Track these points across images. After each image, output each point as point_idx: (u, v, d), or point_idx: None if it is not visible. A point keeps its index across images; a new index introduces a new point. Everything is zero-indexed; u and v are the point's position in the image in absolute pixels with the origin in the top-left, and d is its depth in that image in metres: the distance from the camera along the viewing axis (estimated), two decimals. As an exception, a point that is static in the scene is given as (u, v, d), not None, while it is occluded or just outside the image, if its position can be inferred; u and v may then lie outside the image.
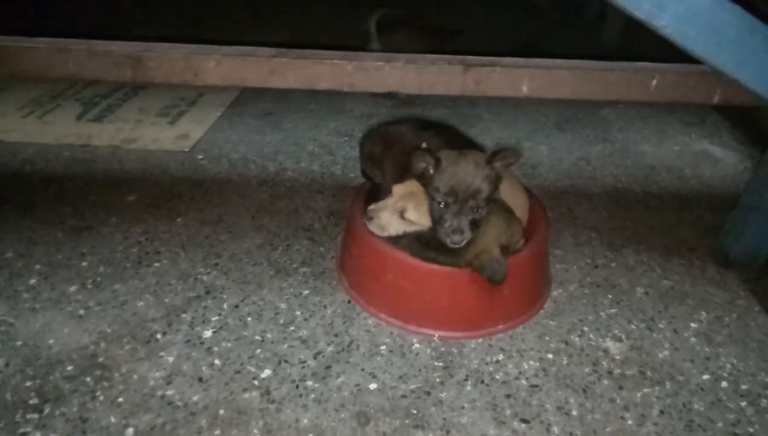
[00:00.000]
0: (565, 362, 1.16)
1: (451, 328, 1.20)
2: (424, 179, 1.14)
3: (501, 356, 1.17)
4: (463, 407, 1.06)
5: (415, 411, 1.04)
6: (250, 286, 1.32)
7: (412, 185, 1.18)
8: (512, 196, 1.30)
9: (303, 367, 1.12)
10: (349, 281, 1.32)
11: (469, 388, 1.10)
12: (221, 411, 1.02)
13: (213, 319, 1.23)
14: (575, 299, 1.33)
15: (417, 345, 1.19)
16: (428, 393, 1.08)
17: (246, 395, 1.06)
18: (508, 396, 1.08)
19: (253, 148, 1.94)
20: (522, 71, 1.31)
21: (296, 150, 1.94)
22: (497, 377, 1.12)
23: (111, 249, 1.42)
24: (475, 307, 1.19)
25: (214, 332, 1.19)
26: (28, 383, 1.05)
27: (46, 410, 1.01)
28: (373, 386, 1.09)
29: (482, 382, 1.11)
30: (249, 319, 1.23)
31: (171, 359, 1.12)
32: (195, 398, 1.05)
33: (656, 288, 1.38)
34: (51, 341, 1.15)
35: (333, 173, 1.81)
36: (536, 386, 1.11)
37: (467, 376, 1.12)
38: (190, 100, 2.28)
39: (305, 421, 1.01)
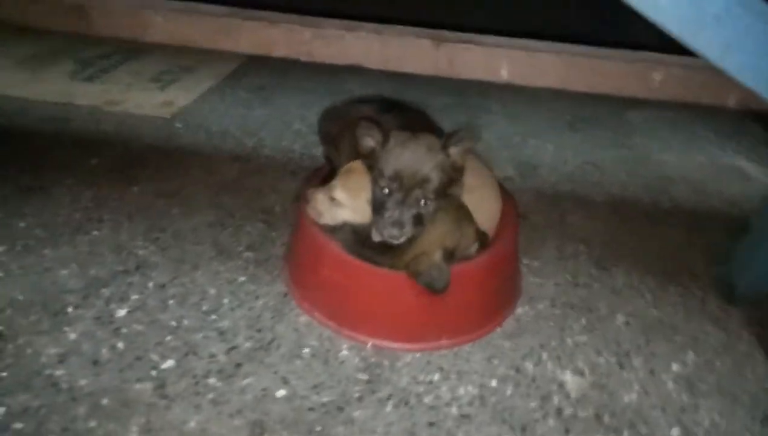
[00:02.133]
0: (509, 392, 1.00)
1: (386, 336, 1.06)
2: (370, 160, 0.99)
3: (436, 376, 1.02)
4: (375, 431, 0.92)
5: (319, 428, 0.91)
6: (184, 266, 1.22)
7: (356, 165, 1.04)
8: (479, 196, 1.14)
9: (210, 362, 1.01)
10: (289, 271, 1.19)
11: (388, 409, 0.96)
12: (105, 400, 0.92)
13: (133, 297, 1.13)
14: (542, 320, 1.16)
15: (345, 352, 1.06)
16: (341, 409, 0.95)
17: (138, 386, 0.95)
18: (431, 424, 0.94)
19: (236, 121, 1.84)
20: (501, 52, 1.15)
21: (281, 127, 1.82)
22: (425, 400, 0.98)
23: (54, 212, 1.34)
24: (413, 316, 1.04)
25: (128, 312, 1.09)
26: None
27: None
28: (281, 393, 0.97)
29: (406, 404, 0.97)
30: (171, 302, 1.13)
31: (73, 336, 1.03)
32: (82, 383, 0.95)
33: (641, 318, 1.19)
34: (-43, 303, 1.08)
35: (313, 155, 1.68)
36: (467, 416, 0.96)
37: (391, 395, 0.98)
38: (186, 67, 2.19)
39: (192, 424, 0.90)
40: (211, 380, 0.97)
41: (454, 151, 0.98)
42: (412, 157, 0.95)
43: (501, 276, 1.11)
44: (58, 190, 1.42)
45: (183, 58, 2.24)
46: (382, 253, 0.99)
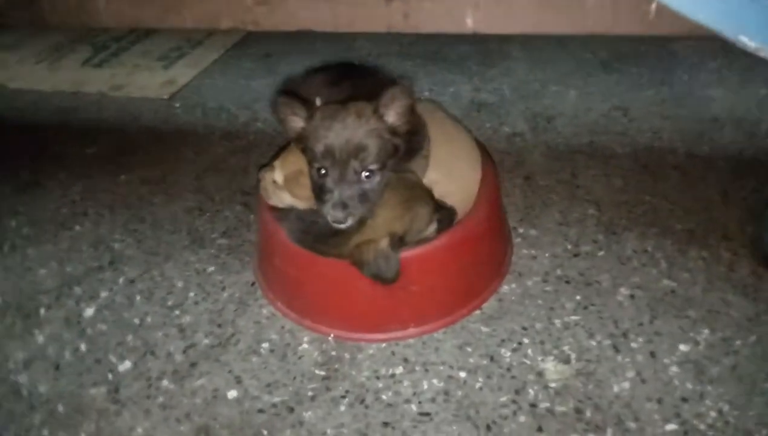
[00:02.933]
0: (478, 384, 0.90)
1: (347, 327, 0.99)
2: (301, 141, 0.89)
3: (399, 369, 0.94)
4: (324, 433, 0.86)
5: (265, 432, 0.86)
6: (157, 258, 1.20)
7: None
8: (447, 166, 1.01)
9: (167, 362, 0.98)
10: (256, 259, 1.13)
11: (342, 408, 0.89)
12: (60, 407, 0.92)
13: (102, 295, 1.12)
14: (528, 299, 1.04)
15: (306, 346, 0.99)
16: (291, 410, 0.89)
17: (93, 391, 0.94)
18: (385, 425, 0.86)
19: (233, 95, 1.78)
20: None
21: (277, 97, 1.74)
22: (383, 397, 0.90)
23: (44, 208, 1.36)
24: (372, 304, 0.96)
25: (96, 311, 1.09)
26: None
27: None
28: (232, 393, 0.92)
29: (362, 402, 0.89)
30: (138, 297, 1.11)
31: (41, 339, 1.04)
32: (42, 389, 0.95)
33: (649, 291, 1.03)
34: (-58, 309, 1.11)
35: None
36: (427, 414, 0.87)
37: (347, 392, 0.91)
38: (195, 41, 2.14)
39: (139, 430, 0.88)
40: (164, 382, 0.95)
41: (389, 113, 0.86)
42: (341, 127, 0.84)
43: (472, 255, 0.99)
44: (51, 184, 1.44)
45: (191, 33, 2.19)
46: (326, 241, 0.90)
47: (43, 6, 1.14)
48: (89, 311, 1.09)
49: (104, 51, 2.18)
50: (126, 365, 0.98)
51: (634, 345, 0.94)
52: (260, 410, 0.90)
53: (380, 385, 0.92)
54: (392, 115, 0.87)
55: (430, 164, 1.01)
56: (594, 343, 0.95)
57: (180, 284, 1.13)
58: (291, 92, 0.90)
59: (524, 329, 0.99)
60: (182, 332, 1.03)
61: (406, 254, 0.90)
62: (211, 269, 1.16)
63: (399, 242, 0.88)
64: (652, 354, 0.92)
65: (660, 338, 0.95)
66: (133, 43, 2.21)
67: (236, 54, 2.04)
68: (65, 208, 1.35)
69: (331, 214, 0.84)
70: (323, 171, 0.85)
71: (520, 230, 1.18)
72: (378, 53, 1.93)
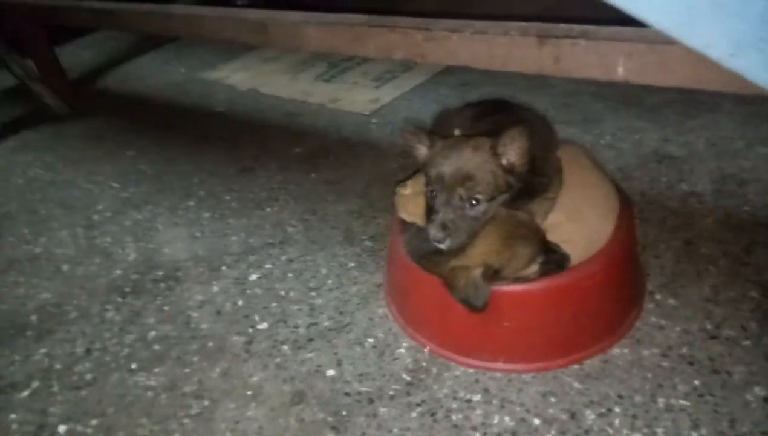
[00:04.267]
0: (550, 435, 0.89)
1: (442, 344, 1.05)
2: (423, 167, 0.99)
3: (477, 397, 0.97)
4: (390, 431, 0.94)
5: (344, 413, 0.98)
6: (314, 246, 1.40)
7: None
8: (578, 209, 1.00)
9: (292, 331, 1.17)
10: (386, 265, 1.26)
11: (413, 415, 0.96)
12: (210, 343, 1.17)
13: (266, 266, 1.36)
14: (638, 368, 0.97)
15: (402, 350, 1.08)
16: (371, 401, 1.00)
17: (235, 338, 1.17)
18: (445, 442, 0.91)
19: (423, 117, 1.94)
20: (616, 47, 0.95)
21: (460, 124, 1.85)
22: (453, 417, 0.94)
23: (250, 190, 1.69)
24: (464, 329, 1.00)
25: (258, 277, 1.33)
26: (135, 275, 1.40)
27: (129, 297, 1.33)
28: (330, 372, 1.06)
29: (432, 415, 0.95)
30: (290, 274, 1.32)
31: (216, 289, 1.32)
32: (204, 326, 1.22)
33: (791, 399, 0.88)
34: (166, 250, 1.48)
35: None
36: (487, 446, 0.89)
37: (423, 402, 0.98)
38: (407, 67, 2.38)
39: (255, 378, 1.07)
40: (285, 347, 1.13)
41: (506, 151, 0.90)
42: (456, 157, 0.91)
43: (574, 307, 0.96)
44: (261, 172, 1.77)
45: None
46: (430, 258, 0.98)
47: (271, 32, 1.43)
48: (253, 276, 1.34)
49: (335, 69, 2.55)
50: (264, 325, 1.19)
51: (744, 452, 0.82)
52: (347, 393, 1.02)
53: (454, 406, 0.96)
54: (510, 154, 0.91)
55: (556, 208, 1.01)
56: (695, 435, 0.85)
57: (324, 272, 1.31)
58: (410, 127, 1.00)
59: (620, 397, 0.93)
60: (312, 310, 1.21)
61: (501, 288, 0.93)
62: (352, 264, 1.32)
63: (493, 274, 0.91)
64: (765, 469, 0.80)
65: (783, 455, 0.81)
66: (359, 64, 2.54)
67: (438, 80, 2.21)
68: (264, 193, 1.66)
69: (433, 233, 0.91)
70: (434, 193, 0.94)
71: (657, 296, 1.10)
72: (572, 91, 1.92)
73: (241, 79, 2.56)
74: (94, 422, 1.03)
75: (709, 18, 0.48)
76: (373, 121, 1.99)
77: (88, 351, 1.19)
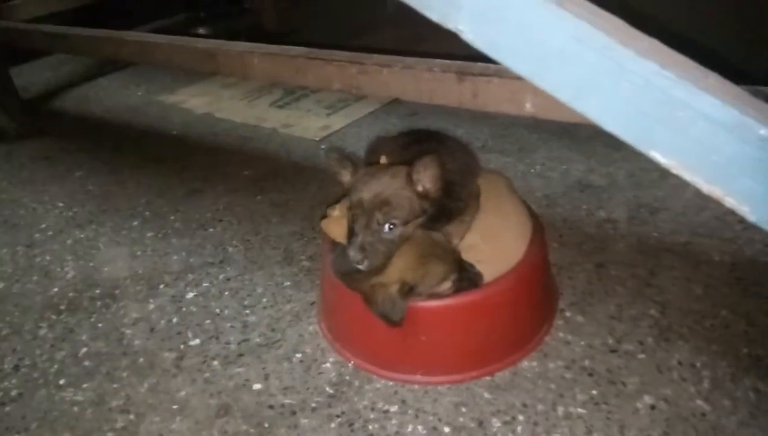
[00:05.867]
0: (456, 443, 0.94)
1: (365, 359, 1.10)
2: (346, 191, 1.06)
3: (394, 408, 1.02)
4: (309, 441, 0.98)
5: (267, 425, 1.02)
6: (253, 266, 1.44)
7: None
8: (492, 232, 1.08)
9: (223, 348, 1.20)
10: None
11: (332, 425, 1.00)
12: (141, 359, 1.19)
13: (204, 284, 1.40)
14: (543, 380, 1.04)
15: (328, 365, 1.13)
16: (294, 413, 1.03)
17: (166, 354, 1.20)
18: (360, 451, 0.95)
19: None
20: (525, 85, 1.05)
21: (403, 151, 1.94)
22: (370, 427, 0.99)
23: (196, 211, 1.72)
24: (384, 344, 1.06)
25: (195, 296, 1.36)
26: (72, 293, 1.41)
27: (63, 314, 1.34)
28: (257, 386, 1.10)
29: (350, 425, 1.00)
30: (227, 293, 1.36)
31: (151, 307, 1.34)
32: (136, 343, 1.24)
33: (676, 407, 0.96)
34: (106, 268, 1.50)
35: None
36: (398, 454, 0.94)
37: (343, 413, 1.02)
38: (360, 96, 2.47)
39: (183, 393, 1.10)
40: (215, 363, 1.16)
41: (420, 178, 0.98)
42: (375, 183, 0.98)
43: (484, 322, 1.03)
44: (209, 194, 1.81)
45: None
46: (353, 276, 1.04)
47: (219, 60, 1.49)
48: (190, 295, 1.37)
49: (290, 96, 2.62)
50: (196, 341, 1.22)
51: (631, 457, 0.89)
52: (270, 406, 1.05)
53: (372, 416, 1.01)
54: (424, 181, 0.98)
55: (472, 230, 1.09)
56: (589, 441, 0.92)
57: (260, 290, 1.36)
58: (341, 150, 1.07)
59: (525, 406, 0.99)
60: (245, 327, 1.25)
61: (418, 304, 1.00)
62: (288, 283, 1.37)
63: (409, 290, 0.97)
64: (648, 471, 0.87)
65: (664, 458, 0.88)
66: (314, 92, 2.62)
67: (388, 110, 2.30)
68: (209, 214, 1.70)
69: (352, 254, 0.98)
70: (354, 217, 1.00)
71: (567, 314, 1.17)
72: (509, 123, 2.03)
73: (198, 103, 2.61)
74: (17, 436, 1.04)
75: (557, 67, 0.57)
76: (323, 147, 2.05)
77: (16, 368, 1.20)
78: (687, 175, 0.54)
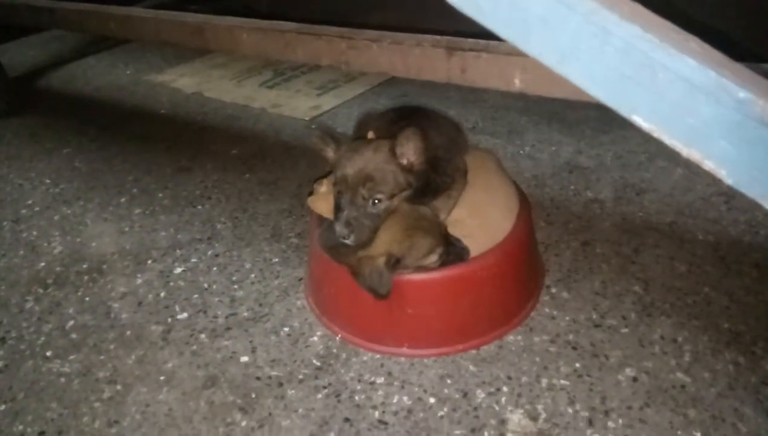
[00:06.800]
0: (441, 413, 0.96)
1: (352, 332, 1.11)
2: (331, 168, 1.06)
3: (380, 379, 1.03)
4: (296, 411, 0.99)
5: (254, 395, 1.03)
6: (241, 242, 1.45)
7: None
8: (480, 207, 1.09)
9: (211, 321, 1.20)
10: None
11: (319, 396, 1.01)
12: (128, 332, 1.19)
13: (192, 260, 1.40)
14: (528, 353, 1.05)
15: (315, 338, 1.14)
16: (281, 384, 1.04)
17: (153, 327, 1.20)
18: (346, 420, 0.96)
19: (359, 125, 2.02)
20: (513, 61, 1.05)
21: (393, 132, 1.94)
22: (356, 397, 1.00)
23: (185, 188, 1.72)
24: (372, 317, 1.07)
25: (183, 271, 1.36)
26: (59, 267, 1.41)
27: (50, 288, 1.33)
28: (244, 359, 1.11)
29: (337, 396, 1.01)
30: (215, 268, 1.36)
31: (139, 281, 1.34)
32: (123, 316, 1.24)
33: (656, 379, 0.98)
34: (93, 244, 1.49)
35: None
36: (384, 423, 0.95)
37: (329, 384, 1.03)
38: (351, 77, 2.46)
39: (170, 365, 1.11)
40: (202, 336, 1.17)
41: (403, 152, 0.98)
42: (358, 159, 0.99)
43: (470, 296, 1.04)
44: (197, 171, 1.80)
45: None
46: (339, 250, 1.04)
47: (207, 35, 1.48)
48: (178, 270, 1.37)
49: (280, 76, 2.60)
50: (183, 315, 1.23)
51: (611, 425, 0.91)
52: (258, 378, 1.06)
53: (358, 387, 1.02)
54: (408, 154, 0.99)
55: (459, 205, 1.10)
56: (570, 411, 0.94)
57: (248, 266, 1.36)
58: (325, 127, 1.07)
59: (509, 378, 1.01)
60: (233, 302, 1.25)
61: (404, 277, 1.00)
62: (276, 259, 1.37)
63: (396, 263, 0.98)
64: (627, 439, 0.89)
65: (642, 427, 0.90)
66: (304, 73, 2.61)
67: (379, 91, 2.30)
68: (198, 191, 1.69)
69: (338, 229, 0.98)
70: (340, 193, 1.00)
71: (553, 290, 1.19)
72: (500, 106, 2.03)
73: (187, 83, 2.58)
74: (2, 407, 1.04)
75: (541, 32, 0.57)
76: (313, 126, 2.05)
77: (3, 340, 1.19)
78: (666, 139, 0.54)
